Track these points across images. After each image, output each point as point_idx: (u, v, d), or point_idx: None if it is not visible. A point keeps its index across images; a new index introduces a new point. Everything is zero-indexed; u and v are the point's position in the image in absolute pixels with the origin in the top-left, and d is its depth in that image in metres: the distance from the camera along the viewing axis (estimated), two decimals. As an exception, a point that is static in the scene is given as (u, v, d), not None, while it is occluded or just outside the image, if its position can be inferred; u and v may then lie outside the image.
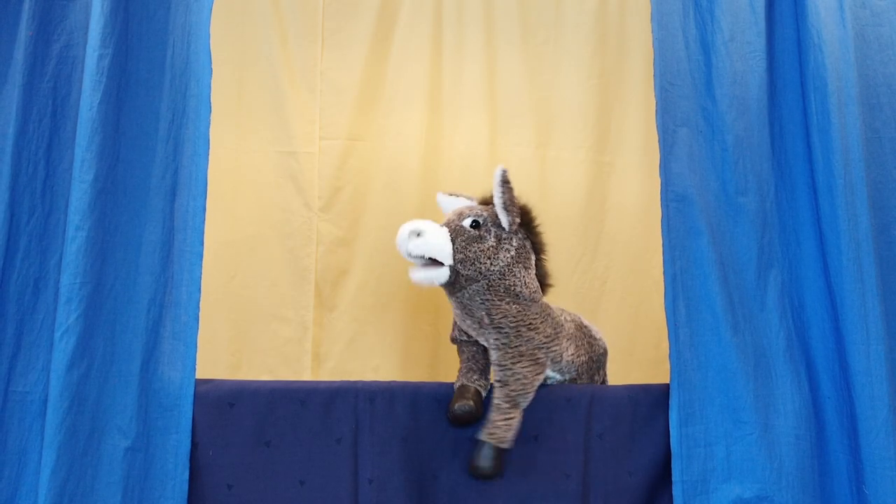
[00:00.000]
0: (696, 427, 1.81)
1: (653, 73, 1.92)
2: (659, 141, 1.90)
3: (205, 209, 1.80)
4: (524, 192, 2.64)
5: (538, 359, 1.82)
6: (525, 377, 1.79)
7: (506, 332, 1.80)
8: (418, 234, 1.74)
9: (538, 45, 2.70)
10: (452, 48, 2.67)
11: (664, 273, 1.86)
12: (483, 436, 1.76)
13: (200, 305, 1.78)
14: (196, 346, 1.76)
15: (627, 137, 2.72)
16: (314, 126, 2.59)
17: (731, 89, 1.94)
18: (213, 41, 1.86)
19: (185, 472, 1.71)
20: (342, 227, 2.58)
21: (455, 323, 1.94)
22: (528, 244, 1.87)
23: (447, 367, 2.57)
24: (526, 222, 1.87)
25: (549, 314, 1.87)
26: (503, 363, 1.79)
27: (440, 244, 1.74)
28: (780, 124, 1.99)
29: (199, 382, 1.76)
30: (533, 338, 1.81)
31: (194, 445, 1.73)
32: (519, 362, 1.79)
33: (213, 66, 1.84)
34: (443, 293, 2.62)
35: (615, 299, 2.69)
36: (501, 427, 1.76)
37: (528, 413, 1.87)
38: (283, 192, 2.55)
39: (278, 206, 2.55)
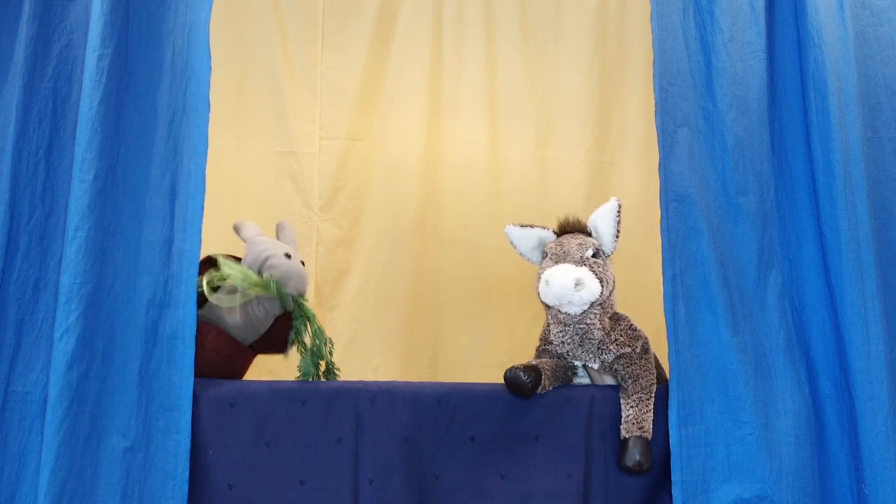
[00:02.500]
0: (696, 427, 1.80)
1: (653, 73, 1.92)
2: (659, 141, 1.90)
3: (204, 209, 1.80)
4: (524, 192, 2.67)
5: (649, 350, 1.97)
6: (650, 367, 1.93)
7: (622, 342, 1.92)
8: (580, 285, 1.86)
9: (538, 45, 2.70)
10: (452, 48, 2.67)
11: (664, 273, 1.85)
12: (634, 432, 1.82)
13: (200, 305, 1.78)
14: (195, 346, 1.75)
15: (627, 137, 2.72)
16: (314, 126, 2.59)
17: (731, 89, 1.94)
18: (213, 41, 1.86)
19: (186, 473, 1.70)
20: (342, 227, 2.58)
21: (547, 339, 2.00)
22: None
23: (447, 367, 2.57)
24: None
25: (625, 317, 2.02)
26: (631, 361, 1.91)
27: (596, 288, 1.87)
28: (780, 124, 1.98)
29: (199, 382, 1.76)
30: (640, 335, 1.96)
31: (194, 445, 1.73)
32: (642, 356, 1.93)
33: (213, 66, 1.84)
34: (442, 294, 2.63)
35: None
36: (647, 419, 1.84)
37: (529, 413, 1.87)
38: (283, 192, 2.56)
39: (278, 206, 2.55)
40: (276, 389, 1.82)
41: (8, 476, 1.69)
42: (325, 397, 1.82)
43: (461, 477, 1.84)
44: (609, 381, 1.98)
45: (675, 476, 1.78)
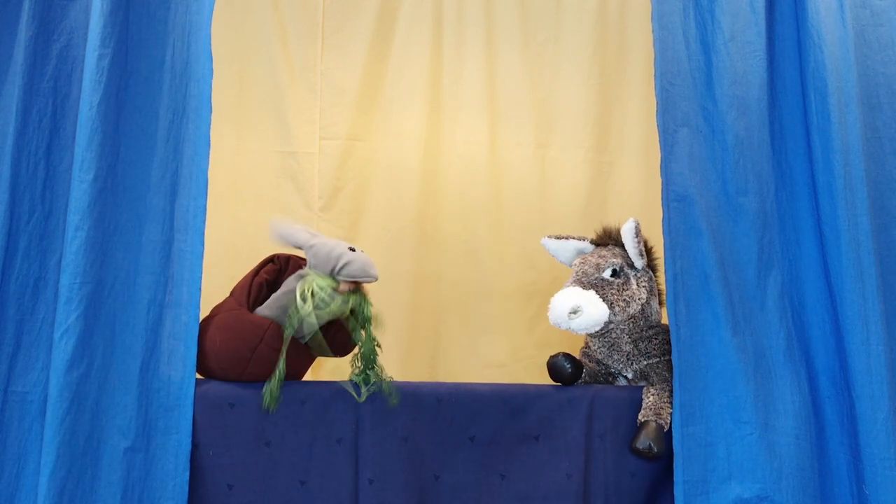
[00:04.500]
0: (696, 427, 1.81)
1: (653, 73, 1.92)
2: (659, 141, 1.90)
3: (205, 209, 1.80)
4: (524, 192, 2.67)
5: None
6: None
7: (653, 354, 1.98)
8: (575, 312, 1.86)
9: (538, 46, 2.70)
10: (452, 48, 2.67)
11: (665, 273, 1.85)
12: (650, 417, 1.84)
13: (200, 305, 1.78)
14: (196, 346, 1.76)
15: (627, 137, 2.71)
16: (314, 126, 2.59)
17: (731, 89, 1.94)
18: (214, 41, 1.86)
19: (186, 473, 1.70)
20: (342, 227, 2.58)
21: (587, 343, 2.06)
22: (651, 274, 2.01)
23: (447, 367, 2.57)
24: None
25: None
26: (660, 364, 1.96)
27: (598, 314, 1.88)
28: (780, 124, 1.98)
29: (199, 382, 1.76)
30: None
31: (195, 446, 1.73)
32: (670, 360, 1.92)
33: (214, 66, 1.84)
34: (443, 294, 2.63)
35: (615, 299, 2.68)
36: (666, 409, 1.86)
37: (530, 413, 1.87)
38: (283, 192, 2.55)
39: (278, 206, 2.55)
40: (276, 389, 1.82)
41: (8, 476, 1.69)
42: (325, 397, 1.82)
43: (461, 477, 1.84)
44: None
45: (678, 476, 1.78)
